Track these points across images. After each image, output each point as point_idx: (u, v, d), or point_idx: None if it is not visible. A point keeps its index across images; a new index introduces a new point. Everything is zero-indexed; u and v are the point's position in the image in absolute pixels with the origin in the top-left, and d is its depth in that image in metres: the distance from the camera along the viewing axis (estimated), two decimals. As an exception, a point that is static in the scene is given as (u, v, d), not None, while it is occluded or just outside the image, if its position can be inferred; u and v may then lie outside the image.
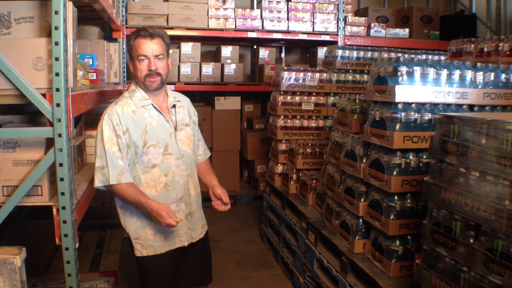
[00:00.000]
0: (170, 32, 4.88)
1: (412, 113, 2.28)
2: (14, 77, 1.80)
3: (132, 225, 2.13)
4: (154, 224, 2.08)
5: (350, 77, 4.01)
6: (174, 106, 2.19)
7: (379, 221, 2.38)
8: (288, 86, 3.90)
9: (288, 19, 5.18)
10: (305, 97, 3.94)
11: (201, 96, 5.84)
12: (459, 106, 2.38)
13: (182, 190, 2.16)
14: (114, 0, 3.65)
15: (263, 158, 5.31)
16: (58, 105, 1.83)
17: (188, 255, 2.23)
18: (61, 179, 1.88)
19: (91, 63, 2.77)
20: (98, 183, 2.02)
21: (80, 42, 3.11)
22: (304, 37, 5.24)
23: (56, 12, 1.80)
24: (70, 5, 1.98)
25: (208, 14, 4.96)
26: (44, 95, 1.85)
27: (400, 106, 2.28)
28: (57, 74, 1.83)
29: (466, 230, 1.65)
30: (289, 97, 3.93)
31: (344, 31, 5.28)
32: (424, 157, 2.30)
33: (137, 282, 2.27)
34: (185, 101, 2.29)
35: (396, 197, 2.30)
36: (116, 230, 4.09)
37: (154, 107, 2.10)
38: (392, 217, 2.29)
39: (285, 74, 3.90)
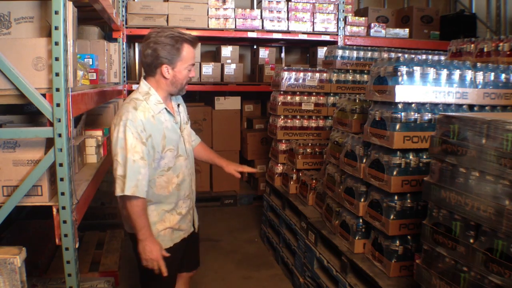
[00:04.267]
0: (170, 32, 4.89)
1: (412, 113, 2.28)
2: (14, 77, 1.80)
3: None
4: (163, 221, 2.11)
5: (350, 77, 4.01)
6: (178, 105, 2.21)
7: (379, 221, 2.38)
8: (288, 86, 3.90)
9: (288, 19, 5.18)
10: (305, 97, 3.94)
11: (201, 96, 5.84)
12: (459, 106, 2.38)
13: (188, 188, 2.21)
14: (114, 0, 3.65)
15: (263, 158, 5.32)
16: (58, 105, 1.84)
17: (188, 244, 2.29)
18: (61, 179, 1.88)
19: (91, 63, 2.77)
20: (118, 192, 1.91)
21: (80, 42, 3.11)
22: (304, 37, 5.24)
23: (56, 12, 1.80)
24: (70, 5, 1.99)
25: (208, 14, 4.96)
26: (44, 95, 1.85)
27: (400, 106, 2.28)
28: (57, 74, 1.83)
29: (466, 230, 1.65)
30: (289, 97, 3.93)
31: (344, 31, 5.28)
32: (424, 157, 2.30)
33: (137, 282, 2.26)
34: (180, 97, 2.27)
35: (396, 197, 2.30)
36: (116, 230, 4.09)
37: (167, 111, 2.07)
38: (392, 217, 2.29)
39: (285, 74, 3.90)
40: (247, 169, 2.45)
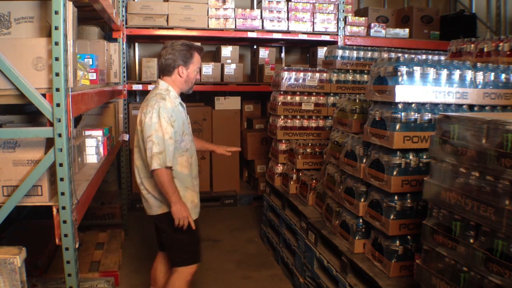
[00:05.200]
0: (170, 32, 4.90)
1: (412, 113, 2.28)
2: (14, 77, 1.81)
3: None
4: (185, 196, 2.48)
5: (350, 77, 4.01)
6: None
7: (379, 221, 2.38)
8: (288, 86, 3.90)
9: (288, 19, 5.18)
10: (305, 97, 3.94)
11: (201, 96, 5.84)
12: (459, 106, 2.38)
13: (196, 168, 2.63)
14: (114, 0, 3.65)
15: (263, 158, 5.31)
16: (58, 105, 1.84)
17: None
18: (61, 179, 1.88)
19: (91, 63, 2.77)
20: (156, 166, 2.29)
21: (80, 42, 3.11)
22: (304, 37, 5.24)
23: (56, 12, 1.80)
24: (70, 5, 1.99)
25: (208, 14, 4.96)
26: (44, 95, 1.85)
27: (400, 106, 2.28)
28: (57, 74, 1.83)
29: (466, 230, 1.65)
30: (289, 97, 3.93)
31: (344, 31, 5.28)
32: (424, 157, 2.30)
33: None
34: None
35: (396, 197, 2.30)
36: (116, 230, 4.09)
37: (181, 103, 2.55)
38: (392, 217, 2.29)
39: (285, 74, 3.89)
40: (234, 148, 2.99)
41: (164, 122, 2.33)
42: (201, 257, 2.63)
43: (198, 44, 2.65)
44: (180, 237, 2.47)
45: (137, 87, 5.01)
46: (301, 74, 3.91)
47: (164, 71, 2.51)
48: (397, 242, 2.33)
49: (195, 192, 2.58)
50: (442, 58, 4.07)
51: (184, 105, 2.59)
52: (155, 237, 2.79)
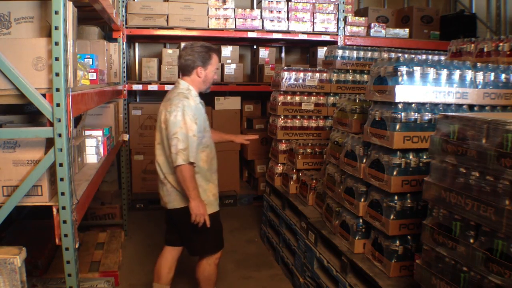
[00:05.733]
0: (170, 32, 4.90)
1: (412, 113, 2.28)
2: (14, 77, 1.80)
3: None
4: (208, 189, 2.65)
5: (350, 77, 4.01)
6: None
7: (379, 221, 2.38)
8: (288, 86, 3.90)
9: (288, 19, 5.18)
10: (305, 97, 3.94)
11: (201, 96, 5.82)
12: (459, 106, 2.38)
13: (215, 163, 2.76)
14: (114, 0, 3.65)
15: (263, 158, 5.31)
16: (58, 105, 1.84)
17: None
18: (61, 179, 1.88)
19: (91, 63, 2.77)
20: (181, 161, 2.42)
21: (80, 42, 3.11)
22: (304, 37, 5.24)
23: (56, 12, 1.80)
24: (70, 5, 1.99)
25: (208, 14, 4.96)
26: (44, 95, 1.85)
27: (400, 106, 2.28)
28: (57, 74, 1.83)
29: (466, 230, 1.65)
30: (289, 97, 3.93)
31: (344, 31, 5.28)
32: (424, 157, 2.30)
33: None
34: None
35: (396, 197, 2.30)
36: (116, 230, 4.09)
37: (201, 102, 2.69)
38: (392, 217, 2.29)
39: (285, 74, 3.89)
40: (252, 136, 3.17)
41: (188, 120, 2.46)
42: (223, 242, 2.81)
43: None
44: (205, 230, 2.59)
45: (137, 87, 5.01)
46: (301, 74, 3.91)
47: (184, 71, 2.65)
48: (397, 242, 2.33)
49: (215, 185, 2.73)
50: (442, 58, 4.07)
51: (203, 103, 2.72)
52: (165, 232, 2.88)
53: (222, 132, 3.19)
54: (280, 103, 3.91)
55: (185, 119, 2.46)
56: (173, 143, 2.44)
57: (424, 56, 4.15)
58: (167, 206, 2.68)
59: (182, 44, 5.12)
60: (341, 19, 5.25)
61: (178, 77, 2.70)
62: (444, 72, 2.32)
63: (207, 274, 2.77)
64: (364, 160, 2.54)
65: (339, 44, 5.22)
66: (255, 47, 5.99)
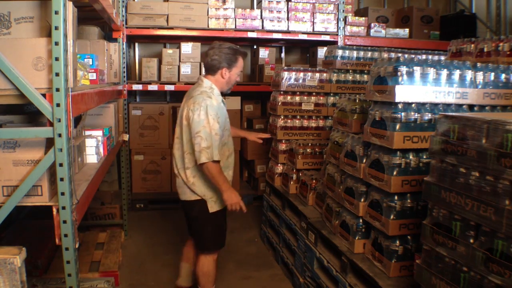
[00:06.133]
0: (170, 32, 4.90)
1: (412, 113, 2.28)
2: (14, 77, 1.80)
3: (204, 188, 2.69)
4: (213, 188, 2.68)
5: (350, 77, 4.01)
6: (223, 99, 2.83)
7: (379, 221, 2.38)
8: (288, 86, 3.90)
9: (288, 19, 5.17)
10: (305, 97, 3.94)
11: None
12: (459, 106, 2.38)
13: (233, 161, 2.87)
14: (114, 0, 3.65)
15: (263, 158, 5.31)
16: (58, 105, 1.84)
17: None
18: (61, 179, 1.88)
19: (91, 63, 2.77)
20: (204, 159, 2.51)
21: (80, 42, 3.11)
22: (304, 37, 5.23)
23: (56, 12, 1.80)
24: (70, 5, 1.98)
25: (208, 14, 4.96)
26: (44, 95, 1.85)
27: (400, 106, 2.28)
28: (57, 74, 1.83)
29: (466, 230, 1.65)
30: (289, 97, 3.93)
31: (344, 31, 5.28)
32: (424, 157, 2.30)
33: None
34: None
35: (396, 197, 2.30)
36: (116, 230, 4.09)
37: (223, 101, 2.77)
38: (392, 217, 2.29)
39: (285, 74, 3.89)
40: (265, 135, 3.27)
41: (211, 119, 2.55)
42: (224, 242, 2.89)
43: (243, 49, 2.86)
44: (206, 227, 2.74)
45: (137, 87, 5.01)
46: (301, 74, 3.91)
47: (209, 70, 2.72)
48: (397, 242, 2.33)
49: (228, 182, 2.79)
50: (442, 58, 4.07)
51: (225, 102, 2.82)
52: (185, 221, 2.97)
53: (237, 128, 3.26)
54: (280, 103, 3.91)
55: (208, 118, 2.53)
56: (196, 142, 2.53)
57: (424, 56, 4.15)
58: (180, 197, 2.81)
59: (183, 44, 5.21)
60: (341, 19, 5.25)
61: (200, 74, 2.79)
62: (444, 72, 2.32)
63: (206, 270, 2.82)
64: (364, 160, 2.54)
65: (339, 44, 5.21)
66: (255, 47, 5.99)
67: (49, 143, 1.91)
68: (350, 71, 4.01)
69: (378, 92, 2.39)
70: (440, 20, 5.73)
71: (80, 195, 2.10)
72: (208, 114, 2.54)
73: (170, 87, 5.05)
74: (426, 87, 2.29)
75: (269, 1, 5.12)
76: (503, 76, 2.43)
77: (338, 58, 3.95)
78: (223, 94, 2.79)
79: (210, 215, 2.72)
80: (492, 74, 2.41)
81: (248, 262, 3.79)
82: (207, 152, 2.51)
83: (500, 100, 2.43)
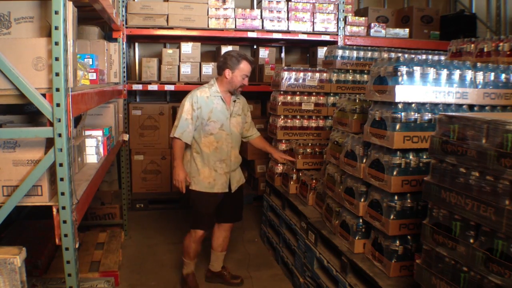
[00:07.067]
0: (170, 32, 4.90)
1: (412, 113, 2.28)
2: (14, 77, 1.80)
3: (192, 169, 3.08)
4: (202, 170, 3.05)
5: (350, 77, 4.01)
6: (234, 101, 3.15)
7: (379, 221, 2.38)
8: (288, 86, 3.90)
9: (288, 19, 5.17)
10: (305, 97, 3.94)
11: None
12: (459, 106, 2.38)
13: (225, 155, 3.10)
14: (114, 0, 3.65)
15: (263, 158, 5.31)
16: (58, 105, 1.84)
17: (225, 200, 3.16)
18: (61, 179, 1.88)
19: (91, 63, 2.76)
20: (171, 134, 3.03)
21: (80, 42, 3.10)
22: (304, 37, 5.23)
23: (56, 12, 1.80)
24: (70, 5, 1.98)
25: (208, 14, 4.96)
26: (44, 95, 1.85)
27: (400, 106, 2.28)
28: (57, 74, 1.83)
29: (466, 230, 1.65)
30: (289, 97, 3.93)
31: (344, 31, 5.28)
32: (424, 157, 2.30)
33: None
34: (242, 99, 3.28)
35: (396, 197, 2.30)
36: (116, 230, 4.09)
37: (221, 98, 3.08)
38: (392, 217, 2.29)
39: (285, 74, 3.89)
40: (289, 158, 3.55)
41: (188, 104, 3.00)
42: (207, 227, 3.18)
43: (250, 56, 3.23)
44: (193, 206, 3.14)
45: (137, 87, 5.01)
46: (301, 74, 3.91)
47: (217, 71, 3.13)
48: (397, 242, 2.33)
49: (214, 171, 3.07)
50: (442, 58, 4.07)
51: (225, 100, 3.09)
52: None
53: (267, 144, 3.55)
54: (280, 103, 3.91)
55: (185, 103, 3.00)
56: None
57: (424, 56, 4.15)
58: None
59: (183, 44, 5.20)
60: (341, 19, 5.25)
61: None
62: (444, 72, 2.32)
63: (185, 243, 3.21)
64: (364, 160, 2.54)
65: (339, 44, 5.21)
66: (255, 47, 5.98)
67: (49, 143, 1.91)
68: (350, 71, 4.01)
69: (378, 92, 2.39)
70: (440, 20, 5.73)
71: (80, 195, 2.10)
72: (187, 101, 3.00)
73: (170, 87, 5.05)
74: (426, 87, 2.29)
75: (269, 1, 5.11)
76: (503, 76, 2.43)
77: (338, 58, 3.95)
78: (233, 94, 3.13)
79: (195, 194, 3.08)
80: (492, 74, 2.41)
81: (248, 262, 3.79)
82: (174, 130, 3.00)
83: (500, 100, 2.43)
